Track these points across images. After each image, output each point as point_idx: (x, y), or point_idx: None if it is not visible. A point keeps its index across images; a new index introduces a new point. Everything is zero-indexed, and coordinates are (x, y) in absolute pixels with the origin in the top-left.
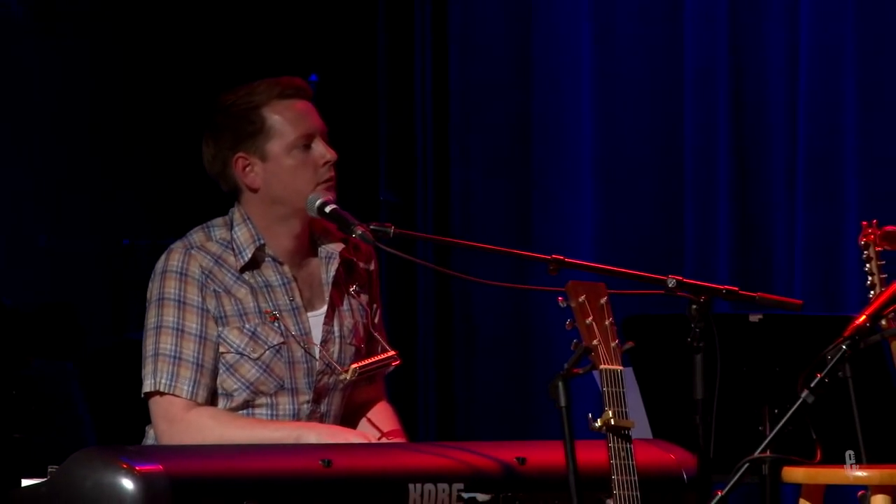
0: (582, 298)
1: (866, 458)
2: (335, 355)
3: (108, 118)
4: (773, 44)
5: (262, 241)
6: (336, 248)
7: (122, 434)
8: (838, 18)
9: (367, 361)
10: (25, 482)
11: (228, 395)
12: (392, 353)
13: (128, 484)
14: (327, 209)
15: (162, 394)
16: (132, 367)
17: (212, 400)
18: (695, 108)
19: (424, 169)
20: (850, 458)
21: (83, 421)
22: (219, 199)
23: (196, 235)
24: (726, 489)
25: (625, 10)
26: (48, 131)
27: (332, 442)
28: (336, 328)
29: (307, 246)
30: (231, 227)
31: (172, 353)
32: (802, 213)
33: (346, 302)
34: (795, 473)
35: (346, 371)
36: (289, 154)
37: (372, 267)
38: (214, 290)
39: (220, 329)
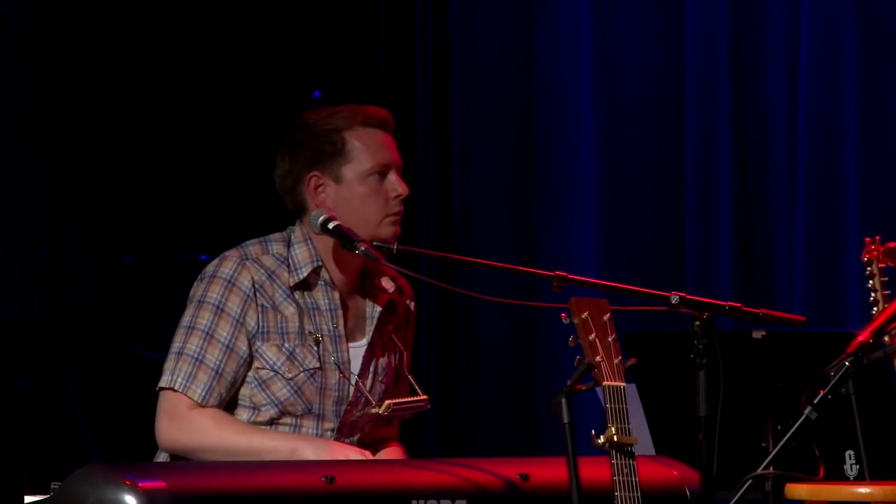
0: (585, 315)
1: (870, 475)
2: (367, 390)
3: (110, 131)
4: (773, 56)
5: (319, 263)
6: (385, 285)
7: (125, 449)
8: (838, 30)
9: (401, 400)
10: (28, 499)
11: (255, 409)
12: (425, 397)
13: (131, 501)
14: (330, 225)
15: (174, 391)
16: (135, 382)
17: (226, 410)
18: (696, 120)
19: (426, 184)
20: (850, 458)
21: (85, 437)
22: (221, 214)
23: (253, 248)
24: None
25: (625, 22)
26: (49, 144)
27: (328, 455)
28: (372, 364)
29: (358, 277)
30: (289, 245)
31: (195, 355)
32: (803, 228)
33: (383, 340)
34: (799, 490)
35: (380, 406)
36: (363, 181)
37: (412, 311)
38: (262, 305)
39: (258, 344)
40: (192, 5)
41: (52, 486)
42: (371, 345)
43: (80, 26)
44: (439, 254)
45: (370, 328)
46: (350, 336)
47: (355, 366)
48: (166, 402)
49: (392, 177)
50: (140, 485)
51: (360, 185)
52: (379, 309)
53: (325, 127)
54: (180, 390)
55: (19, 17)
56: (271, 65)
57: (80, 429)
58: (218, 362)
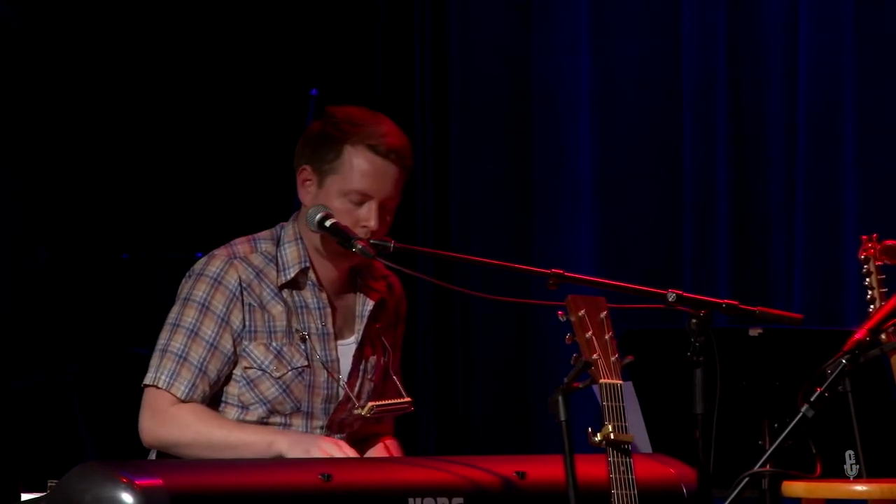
0: (582, 312)
1: (867, 472)
2: (356, 389)
3: (108, 131)
4: (771, 59)
5: (307, 264)
6: (375, 284)
7: (122, 448)
8: (837, 33)
9: (384, 402)
10: (25, 497)
11: (244, 408)
12: (408, 399)
13: (128, 498)
14: (327, 223)
15: (157, 388)
16: (132, 381)
17: (215, 409)
18: (693, 120)
19: (424, 184)
20: (850, 458)
21: (82, 435)
22: (221, 211)
23: (241, 246)
24: (726, 503)
25: (623, 27)
26: (47, 144)
27: (301, 447)
28: (361, 362)
29: (348, 276)
30: (278, 244)
31: (179, 353)
32: (802, 226)
33: (372, 339)
34: (795, 488)
35: (363, 407)
36: (339, 197)
37: (402, 310)
38: (249, 304)
39: (245, 343)
40: (190, 3)
41: (49, 484)
42: (360, 343)
43: (77, 25)
44: (437, 252)
45: (360, 326)
46: (339, 334)
47: (344, 364)
48: (149, 397)
49: (370, 207)
50: (137, 482)
51: (335, 199)
52: (370, 306)
53: (335, 132)
54: (163, 387)
55: (15, 17)
56: (269, 64)
57: (78, 427)
58: (202, 360)
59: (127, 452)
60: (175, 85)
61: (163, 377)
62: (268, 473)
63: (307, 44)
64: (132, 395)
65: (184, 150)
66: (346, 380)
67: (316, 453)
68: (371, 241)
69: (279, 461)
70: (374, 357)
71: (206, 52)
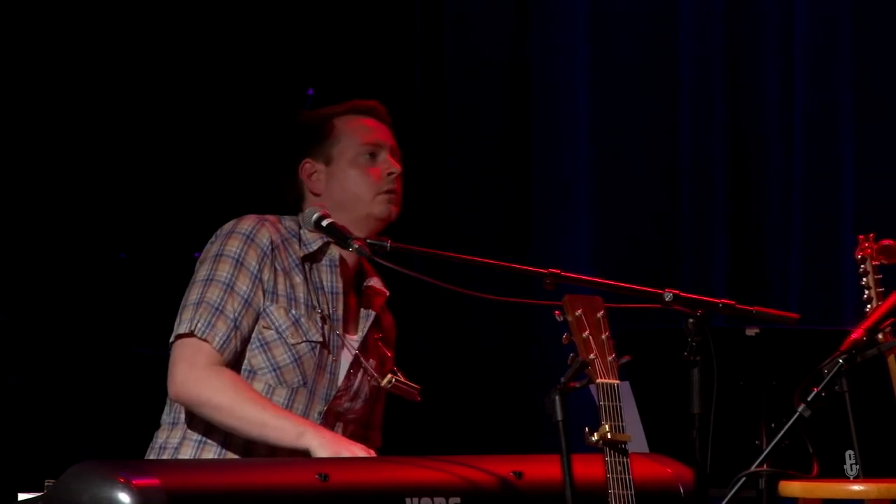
0: (579, 312)
1: (866, 472)
2: (355, 385)
3: (107, 130)
4: (769, 56)
5: (329, 240)
6: (380, 290)
7: (120, 448)
8: (835, 29)
9: (402, 378)
10: (22, 496)
11: (252, 373)
12: (417, 387)
13: (125, 498)
14: (324, 223)
15: (193, 336)
16: (129, 380)
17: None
18: (691, 120)
19: (422, 183)
20: (850, 458)
21: (80, 434)
22: (220, 212)
23: (269, 216)
24: (723, 503)
25: (621, 27)
26: (46, 143)
27: (333, 448)
28: (361, 361)
29: (354, 276)
30: (300, 225)
31: (215, 305)
32: (799, 226)
33: (372, 345)
34: (792, 487)
35: (382, 379)
36: (353, 161)
37: (391, 338)
38: (275, 266)
39: (267, 304)
40: (189, 3)
41: (47, 483)
42: (364, 342)
43: (76, 24)
44: (433, 251)
45: (364, 326)
46: (344, 328)
47: (346, 356)
48: (186, 348)
49: (384, 156)
50: (134, 482)
51: (350, 168)
52: (372, 315)
53: (317, 116)
54: (199, 335)
55: (14, 16)
56: (266, 64)
57: (76, 426)
58: (237, 315)
59: (125, 452)
60: (173, 84)
61: (199, 325)
62: (265, 473)
63: (305, 43)
64: (130, 394)
65: (182, 149)
66: (344, 377)
67: (345, 455)
68: (368, 241)
69: (276, 460)
70: (374, 361)
71: (204, 51)
